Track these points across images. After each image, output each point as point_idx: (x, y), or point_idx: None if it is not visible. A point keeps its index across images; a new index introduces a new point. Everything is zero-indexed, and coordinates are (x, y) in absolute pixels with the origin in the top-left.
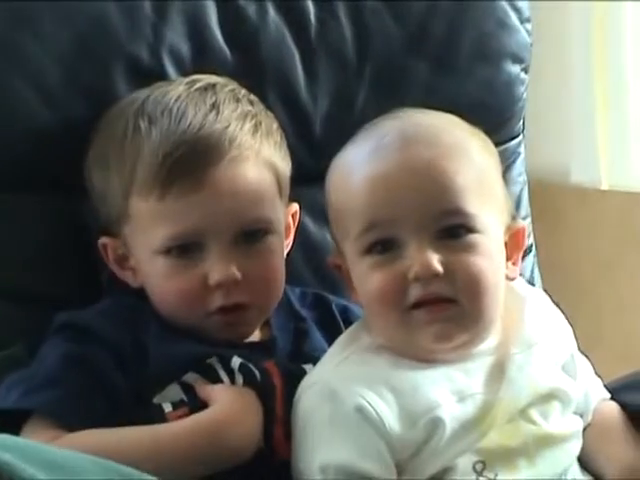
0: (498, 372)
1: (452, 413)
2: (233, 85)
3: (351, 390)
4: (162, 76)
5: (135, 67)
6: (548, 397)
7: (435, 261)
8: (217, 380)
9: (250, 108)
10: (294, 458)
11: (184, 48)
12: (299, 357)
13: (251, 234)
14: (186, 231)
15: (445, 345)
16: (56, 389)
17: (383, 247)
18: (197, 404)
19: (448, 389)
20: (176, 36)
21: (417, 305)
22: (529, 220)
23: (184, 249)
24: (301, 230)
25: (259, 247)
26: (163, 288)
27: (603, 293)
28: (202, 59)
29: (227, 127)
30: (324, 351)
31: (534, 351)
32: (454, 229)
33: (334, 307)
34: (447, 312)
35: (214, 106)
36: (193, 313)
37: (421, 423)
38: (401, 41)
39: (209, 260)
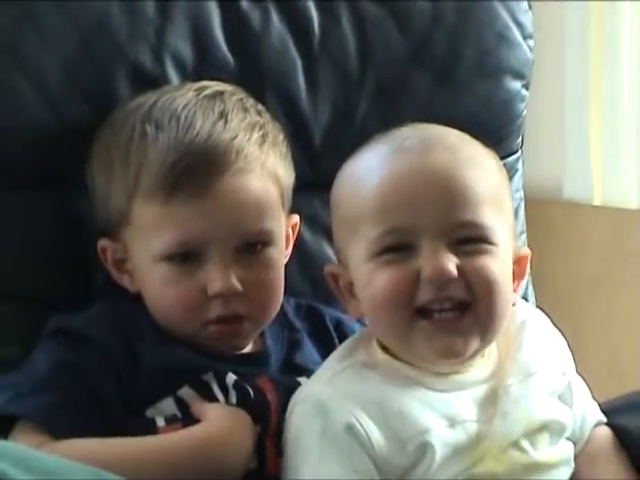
0: (492, 402)
1: (443, 438)
2: (241, 94)
3: (342, 407)
4: (163, 80)
5: (137, 70)
6: (540, 429)
7: (450, 264)
8: (212, 397)
9: (258, 118)
10: (285, 472)
11: (186, 52)
12: (291, 368)
13: (252, 245)
14: (188, 239)
15: (451, 360)
16: (45, 395)
17: (397, 251)
18: (190, 421)
19: (439, 414)
20: (179, 40)
21: (425, 312)
22: (525, 236)
23: (185, 257)
24: (298, 240)
25: (260, 259)
26: (161, 295)
27: (592, 308)
28: (204, 64)
29: (235, 137)
30: (316, 363)
31: (531, 381)
32: (471, 240)
33: (327, 319)
34: (458, 324)
35: (222, 115)
36: (189, 322)
37: (410, 447)
38: (403, 53)
39: (209, 269)
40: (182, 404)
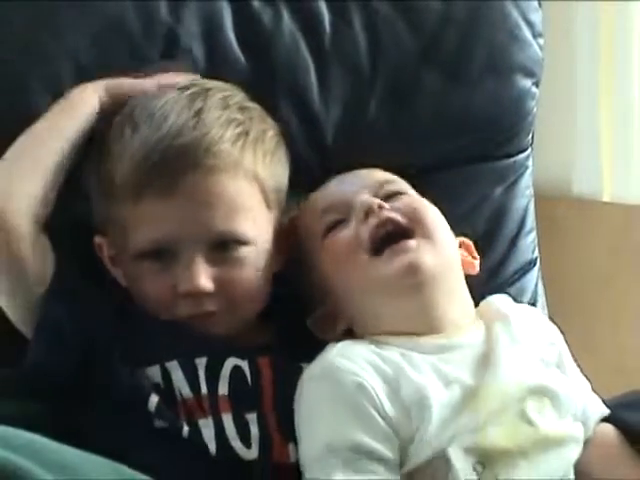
0: (483, 361)
1: (439, 397)
2: (230, 92)
3: (350, 370)
4: None
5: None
6: (539, 393)
7: (379, 200)
8: (195, 383)
9: (237, 116)
10: (299, 440)
11: (198, 52)
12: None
13: (223, 245)
14: (158, 237)
15: (418, 276)
16: None
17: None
18: (170, 396)
19: (432, 374)
20: (191, 40)
21: (377, 250)
22: (534, 234)
23: (158, 255)
24: None
25: (234, 257)
26: (138, 289)
27: (601, 304)
28: (216, 63)
29: (205, 135)
30: None
31: (520, 347)
32: (391, 193)
33: None
34: (405, 243)
35: (198, 112)
36: (165, 313)
37: (412, 407)
38: (414, 51)
39: (180, 268)
40: (167, 376)
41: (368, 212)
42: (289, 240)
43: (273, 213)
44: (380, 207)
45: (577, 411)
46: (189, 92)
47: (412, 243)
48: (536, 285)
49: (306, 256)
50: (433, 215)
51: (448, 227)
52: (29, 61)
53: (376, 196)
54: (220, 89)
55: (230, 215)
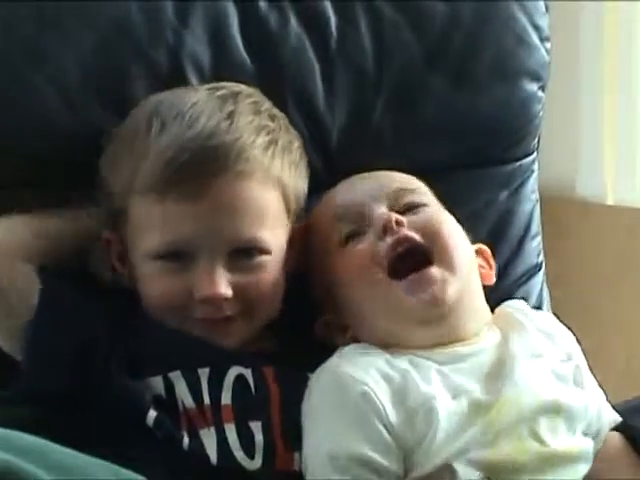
0: (498, 373)
1: (447, 407)
2: (258, 97)
3: (356, 378)
4: (181, 81)
5: (155, 71)
6: (553, 410)
7: (397, 215)
8: (197, 393)
9: (268, 123)
10: (303, 443)
11: (204, 54)
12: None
13: (245, 252)
14: (177, 240)
15: (439, 308)
16: None
17: (354, 234)
18: (172, 407)
19: (440, 384)
20: (197, 42)
21: (396, 271)
22: (540, 238)
23: (175, 255)
24: None
25: (253, 264)
26: (149, 290)
27: (605, 308)
28: (222, 66)
29: (238, 139)
30: None
31: (538, 362)
32: (410, 204)
33: None
34: (428, 272)
35: (230, 115)
36: (176, 317)
37: (418, 417)
38: (420, 55)
39: (198, 273)
40: (170, 387)
41: (386, 229)
42: (299, 246)
43: (290, 222)
44: (398, 224)
45: (590, 427)
46: (219, 93)
47: (435, 273)
48: (541, 289)
49: (319, 261)
50: (453, 232)
51: (466, 239)
52: (34, 62)
53: (394, 207)
54: (248, 93)
55: (256, 223)
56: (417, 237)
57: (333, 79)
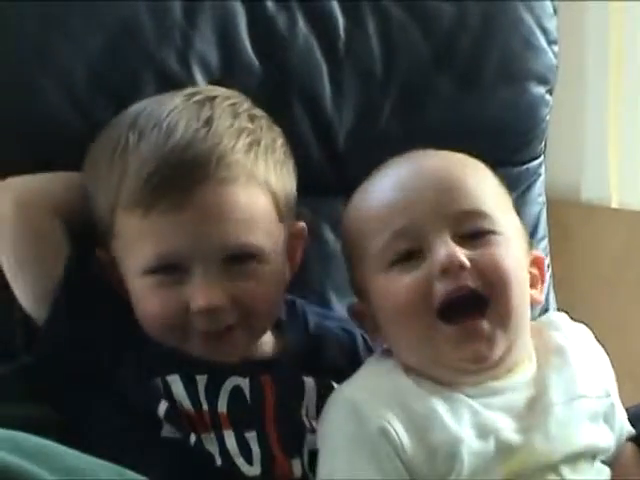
0: (531, 411)
1: (471, 448)
2: (236, 98)
3: (375, 411)
4: (190, 83)
5: (163, 73)
6: (581, 455)
7: (460, 253)
8: (194, 398)
9: (248, 125)
10: (319, 466)
11: (212, 56)
12: (310, 370)
13: (238, 259)
14: (167, 253)
15: (481, 365)
16: None
17: (408, 255)
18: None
19: (470, 422)
20: (205, 43)
21: (445, 313)
22: (546, 241)
23: (168, 270)
24: (319, 240)
25: (249, 271)
26: (143, 308)
27: (610, 310)
28: (230, 67)
29: (217, 145)
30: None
31: (577, 405)
32: (477, 232)
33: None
34: (479, 326)
35: (208, 122)
36: (172, 335)
37: (439, 455)
38: (427, 57)
39: (192, 284)
40: (167, 389)
41: (445, 270)
42: (297, 250)
43: (284, 224)
44: (462, 267)
45: (612, 453)
46: (195, 99)
47: (485, 328)
48: (548, 292)
49: (358, 260)
50: (516, 280)
51: (526, 281)
52: (41, 62)
53: (457, 232)
54: (225, 96)
55: (244, 228)
56: (478, 286)
57: (341, 80)
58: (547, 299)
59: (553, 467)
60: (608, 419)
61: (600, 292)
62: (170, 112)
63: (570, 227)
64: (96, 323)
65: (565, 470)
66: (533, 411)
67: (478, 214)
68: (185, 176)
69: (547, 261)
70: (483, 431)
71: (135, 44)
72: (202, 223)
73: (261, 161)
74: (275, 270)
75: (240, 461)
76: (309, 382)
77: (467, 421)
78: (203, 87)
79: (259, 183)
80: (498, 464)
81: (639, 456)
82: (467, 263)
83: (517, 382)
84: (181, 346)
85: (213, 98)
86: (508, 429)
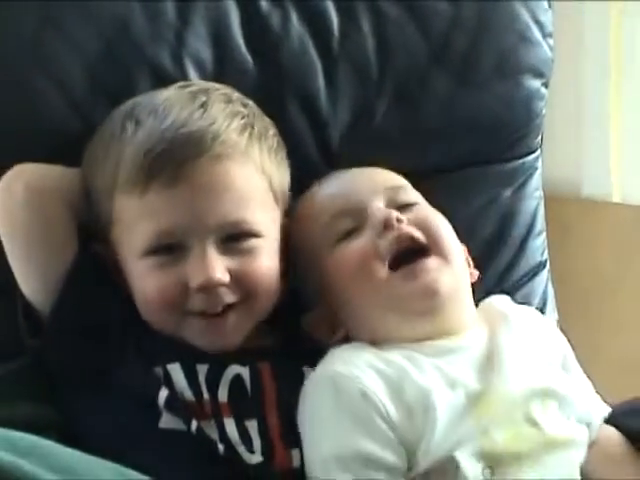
0: (487, 365)
1: (444, 399)
2: (228, 90)
3: (353, 378)
4: (183, 80)
5: (157, 72)
6: (544, 395)
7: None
8: (196, 387)
9: (241, 109)
10: (305, 451)
11: (206, 54)
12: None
13: (235, 236)
14: (165, 230)
15: (433, 300)
16: None
17: (348, 233)
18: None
19: (435, 375)
20: (199, 41)
21: (395, 265)
22: (544, 236)
23: (168, 250)
24: None
25: (244, 249)
26: (143, 291)
27: (611, 305)
28: (224, 66)
29: (212, 124)
30: None
31: (526, 348)
32: (407, 202)
33: None
34: (425, 263)
35: (203, 105)
36: (171, 316)
37: (415, 410)
38: (422, 53)
39: (191, 262)
40: (168, 378)
41: (387, 225)
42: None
43: (280, 210)
44: (399, 220)
45: (582, 413)
46: (189, 89)
47: (432, 263)
48: (545, 287)
49: (311, 258)
50: (446, 230)
51: (456, 238)
52: (37, 63)
53: (390, 205)
54: (217, 87)
55: (241, 204)
56: (418, 234)
57: (335, 78)
58: (545, 293)
59: (522, 407)
60: (566, 368)
61: (601, 288)
62: (165, 100)
63: (571, 223)
64: (101, 313)
65: (536, 410)
66: (490, 362)
67: (404, 188)
68: (180, 152)
69: (545, 256)
70: (450, 383)
71: (130, 43)
72: (197, 198)
73: (255, 144)
74: (272, 251)
75: (241, 449)
76: (309, 373)
77: (432, 374)
78: (196, 81)
79: (254, 162)
80: (469, 412)
81: (622, 438)
82: (404, 218)
83: (471, 342)
84: (178, 333)
85: (206, 89)
86: (472, 379)
